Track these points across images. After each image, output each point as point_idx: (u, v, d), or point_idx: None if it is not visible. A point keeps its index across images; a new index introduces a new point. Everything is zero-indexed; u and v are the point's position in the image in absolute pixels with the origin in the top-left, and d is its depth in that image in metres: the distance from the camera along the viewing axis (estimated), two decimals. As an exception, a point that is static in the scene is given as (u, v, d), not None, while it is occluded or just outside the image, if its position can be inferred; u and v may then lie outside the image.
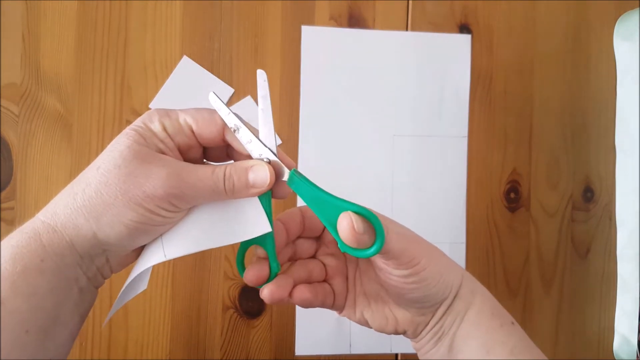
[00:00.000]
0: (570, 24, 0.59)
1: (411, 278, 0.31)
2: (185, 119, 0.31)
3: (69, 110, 0.52)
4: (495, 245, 0.57)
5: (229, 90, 0.53)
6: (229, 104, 0.53)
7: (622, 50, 0.58)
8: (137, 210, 0.28)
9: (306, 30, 0.54)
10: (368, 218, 0.29)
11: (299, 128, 0.54)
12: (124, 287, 0.32)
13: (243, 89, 0.54)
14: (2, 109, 0.51)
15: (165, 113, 0.30)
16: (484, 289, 0.35)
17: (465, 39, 0.57)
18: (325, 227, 0.34)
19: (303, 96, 0.54)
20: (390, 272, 0.32)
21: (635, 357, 0.56)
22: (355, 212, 0.29)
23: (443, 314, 0.34)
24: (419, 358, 0.36)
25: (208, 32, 0.54)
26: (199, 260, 0.53)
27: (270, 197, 0.31)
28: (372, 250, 0.29)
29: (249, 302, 0.54)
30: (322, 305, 0.35)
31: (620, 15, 0.58)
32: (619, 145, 0.58)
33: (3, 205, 0.51)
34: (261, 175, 0.30)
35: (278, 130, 0.54)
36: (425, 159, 0.56)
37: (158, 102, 0.53)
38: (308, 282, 0.34)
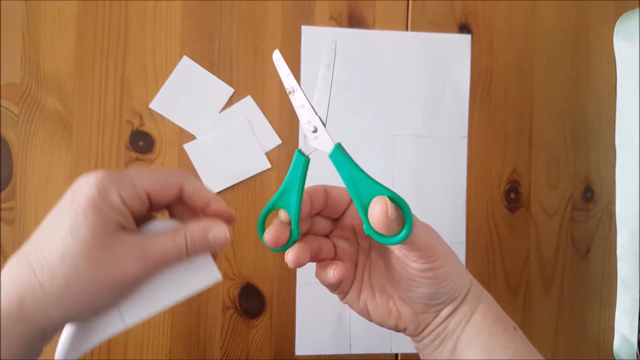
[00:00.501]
0: (570, 24, 0.59)
1: (428, 273, 0.32)
2: (143, 187, 0.30)
3: (69, 110, 0.52)
4: (495, 245, 0.57)
5: (229, 90, 0.53)
6: (228, 104, 0.53)
7: (622, 50, 0.58)
8: (107, 296, 0.28)
9: (306, 30, 0.54)
10: (400, 206, 0.29)
11: (299, 128, 0.54)
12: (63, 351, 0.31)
13: (243, 89, 0.54)
14: (2, 109, 0.51)
15: (121, 181, 0.29)
16: (489, 296, 0.36)
17: (465, 39, 0.57)
18: (344, 211, 0.34)
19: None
20: (408, 263, 0.32)
21: (635, 357, 0.56)
22: (391, 198, 0.28)
23: (448, 316, 0.34)
24: (421, 357, 0.37)
25: (208, 32, 0.54)
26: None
27: (304, 179, 0.31)
28: (398, 238, 0.29)
29: (249, 302, 0.54)
30: (336, 285, 0.35)
31: (620, 15, 0.59)
32: (619, 145, 0.58)
33: (3, 205, 0.51)
34: (221, 235, 0.31)
35: (278, 130, 0.54)
36: (425, 159, 0.56)
37: (158, 102, 0.53)
38: (317, 256, 0.35)
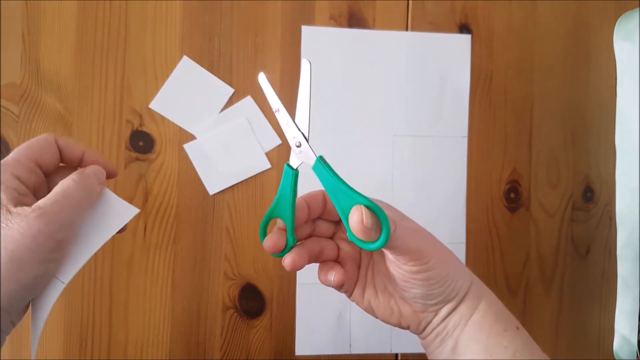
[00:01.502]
0: (570, 23, 0.59)
1: (418, 275, 0.32)
2: (26, 155, 0.32)
3: (68, 110, 0.52)
4: (495, 245, 0.57)
5: (229, 90, 0.53)
6: (228, 104, 0.53)
7: (622, 50, 0.58)
8: (28, 266, 0.29)
9: (306, 30, 0.54)
10: (376, 213, 0.30)
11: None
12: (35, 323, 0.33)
13: (243, 89, 0.54)
14: (2, 108, 0.51)
15: (11, 163, 0.32)
16: (491, 294, 0.36)
17: (465, 39, 0.57)
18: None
19: (303, 96, 0.54)
20: (399, 265, 0.33)
21: (635, 357, 0.56)
22: (367, 207, 0.30)
23: (447, 316, 0.34)
24: (427, 355, 0.37)
25: (208, 32, 0.54)
26: (199, 260, 0.53)
27: (295, 190, 0.33)
28: (377, 244, 0.30)
29: (249, 302, 0.54)
30: (338, 287, 0.36)
31: (620, 15, 0.59)
32: (619, 145, 0.58)
33: (3, 205, 0.51)
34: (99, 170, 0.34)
35: (278, 130, 0.54)
36: (425, 159, 0.56)
37: (158, 102, 0.53)
38: (319, 257, 0.36)
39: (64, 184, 0.32)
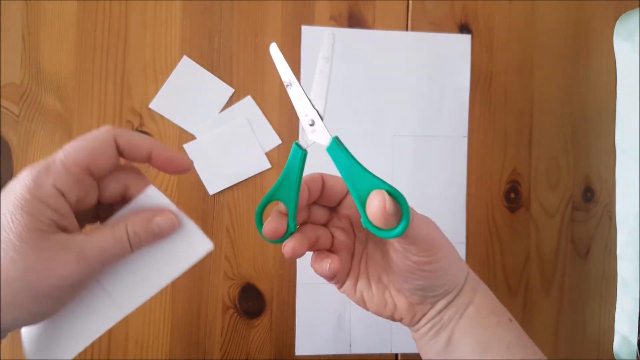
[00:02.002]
0: (570, 24, 0.59)
1: (426, 266, 0.32)
2: (78, 165, 0.27)
3: (69, 110, 0.52)
4: (495, 245, 0.57)
5: (229, 90, 0.53)
6: (228, 104, 0.53)
7: (622, 50, 0.58)
8: (44, 301, 0.26)
9: (306, 30, 0.54)
10: (398, 199, 0.28)
11: (299, 128, 0.54)
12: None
13: (243, 89, 0.54)
14: (2, 108, 0.51)
15: (52, 170, 0.26)
16: (485, 287, 0.36)
17: (465, 39, 0.57)
18: (341, 200, 0.34)
19: (303, 96, 0.54)
20: (407, 255, 0.32)
21: (635, 357, 0.56)
22: (387, 192, 0.28)
23: (443, 308, 0.34)
24: (417, 348, 0.37)
25: (208, 32, 0.54)
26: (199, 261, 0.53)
27: (302, 172, 0.31)
28: (396, 232, 0.28)
29: (249, 302, 0.54)
30: (331, 276, 0.35)
31: (620, 15, 0.58)
32: (619, 145, 0.58)
33: (3, 205, 0.51)
34: (166, 224, 0.29)
35: (278, 130, 0.54)
36: (425, 159, 0.56)
37: (158, 102, 0.53)
38: (315, 245, 0.34)
39: (118, 239, 0.28)
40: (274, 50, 0.30)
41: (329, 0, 0.55)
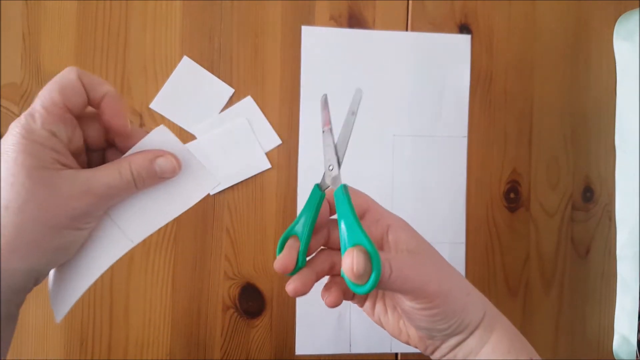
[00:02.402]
0: (570, 24, 0.59)
1: (422, 312, 0.32)
2: (54, 103, 0.28)
3: (69, 110, 0.52)
4: (495, 245, 0.57)
5: (229, 90, 0.53)
6: (228, 104, 0.53)
7: (622, 50, 0.58)
8: (63, 233, 0.28)
9: (306, 30, 0.54)
10: (371, 257, 0.29)
11: (299, 128, 0.54)
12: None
13: (243, 89, 0.54)
14: (2, 109, 0.51)
15: (38, 114, 0.28)
16: (504, 323, 0.35)
17: (465, 39, 0.57)
18: (367, 211, 0.35)
19: (303, 96, 0.54)
20: (402, 299, 0.32)
21: (634, 357, 0.56)
22: (365, 248, 0.29)
23: (455, 346, 0.34)
24: None
25: (208, 32, 0.54)
26: (199, 260, 0.53)
27: (318, 212, 0.33)
28: (364, 289, 0.29)
29: (249, 302, 0.54)
30: (330, 307, 0.35)
31: (620, 16, 0.58)
32: (618, 145, 0.58)
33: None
34: (167, 165, 0.31)
35: (278, 130, 0.54)
36: (425, 159, 0.56)
37: (158, 102, 0.53)
38: (330, 273, 0.35)
39: (124, 177, 0.29)
40: (324, 100, 0.34)
41: (329, 1, 0.55)
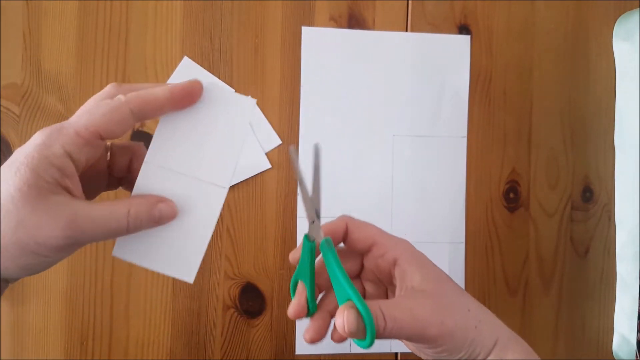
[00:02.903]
0: (570, 24, 0.59)
1: (426, 350, 0.32)
2: (89, 130, 0.28)
3: (69, 110, 0.52)
4: (495, 245, 0.57)
5: (229, 90, 0.53)
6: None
7: (622, 50, 0.58)
8: (31, 256, 0.27)
9: (306, 31, 0.55)
10: (362, 315, 0.29)
11: (299, 128, 0.54)
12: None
13: (243, 89, 0.54)
14: (2, 109, 0.51)
15: (64, 133, 0.28)
16: (517, 346, 0.33)
17: (464, 40, 0.57)
18: (371, 247, 0.35)
19: (303, 96, 0.55)
20: None
21: (634, 357, 0.56)
22: (353, 305, 0.29)
23: None
24: None
25: (208, 32, 0.54)
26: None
27: (314, 261, 0.33)
28: (363, 345, 0.29)
29: (249, 302, 0.54)
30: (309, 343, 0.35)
31: (619, 16, 0.59)
32: (618, 145, 0.58)
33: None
34: (168, 212, 0.31)
35: (278, 130, 0.54)
36: (425, 159, 0.56)
37: (158, 102, 0.53)
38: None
39: (117, 219, 0.28)
40: (293, 153, 0.33)
41: (329, 1, 0.55)
